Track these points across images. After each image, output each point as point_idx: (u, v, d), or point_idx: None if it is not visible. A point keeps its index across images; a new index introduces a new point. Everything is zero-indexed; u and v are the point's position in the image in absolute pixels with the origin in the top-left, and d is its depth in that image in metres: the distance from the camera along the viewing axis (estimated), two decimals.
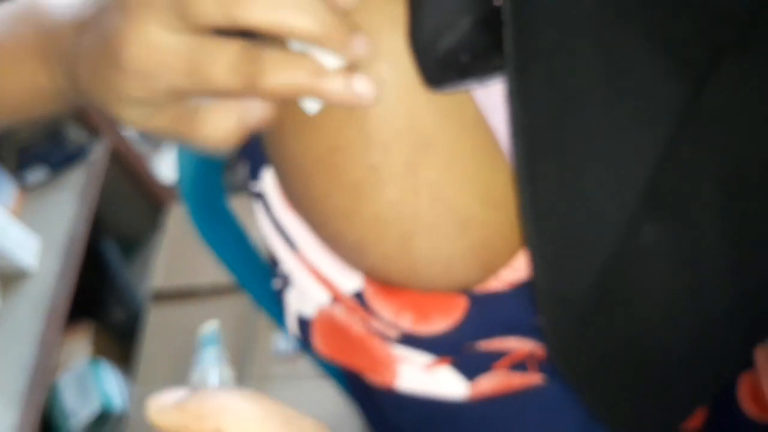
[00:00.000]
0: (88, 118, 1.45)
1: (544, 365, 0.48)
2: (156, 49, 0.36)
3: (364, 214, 0.43)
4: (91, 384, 1.43)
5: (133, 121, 0.40)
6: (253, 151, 0.51)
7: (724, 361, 0.50)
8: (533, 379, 0.49)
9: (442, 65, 0.37)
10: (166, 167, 1.74)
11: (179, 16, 0.35)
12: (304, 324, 0.54)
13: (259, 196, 0.52)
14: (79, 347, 1.50)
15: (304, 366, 1.34)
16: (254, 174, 0.53)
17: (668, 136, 0.39)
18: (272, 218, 0.51)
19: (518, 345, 0.48)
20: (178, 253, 1.55)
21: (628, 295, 0.44)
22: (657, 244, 0.42)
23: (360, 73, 0.37)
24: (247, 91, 0.36)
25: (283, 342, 1.40)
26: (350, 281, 0.49)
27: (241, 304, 1.46)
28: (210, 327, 0.39)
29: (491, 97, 0.42)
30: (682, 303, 0.45)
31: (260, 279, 0.98)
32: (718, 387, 0.53)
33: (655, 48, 0.38)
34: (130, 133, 1.68)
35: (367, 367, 0.51)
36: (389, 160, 0.41)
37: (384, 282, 0.47)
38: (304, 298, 0.52)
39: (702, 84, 0.38)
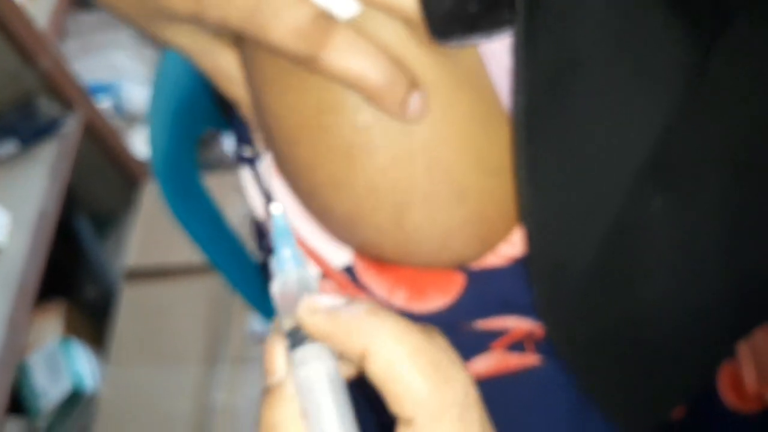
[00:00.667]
0: (61, 90, 1.43)
1: (541, 345, 0.47)
2: None
3: (356, 183, 0.41)
4: (61, 363, 1.42)
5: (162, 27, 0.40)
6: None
7: (715, 348, 0.50)
8: (530, 359, 0.48)
9: (449, 17, 0.36)
10: (141, 142, 1.73)
11: None
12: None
13: (249, 161, 0.50)
14: (50, 326, 1.49)
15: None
16: (244, 137, 0.51)
17: (675, 103, 0.38)
18: (261, 186, 0.50)
19: (516, 324, 0.47)
20: (152, 231, 1.54)
21: (628, 269, 0.43)
22: (659, 217, 0.41)
23: (419, 91, 0.37)
24: (303, 57, 0.36)
25: (258, 323, 1.40)
26: (340, 255, 0.47)
27: (216, 284, 1.45)
28: (278, 213, 0.34)
29: (497, 56, 0.40)
30: (678, 282, 0.44)
31: (234, 259, 0.98)
32: (708, 375, 0.53)
33: (667, 9, 0.36)
34: (103, 106, 1.67)
35: None
36: (382, 121, 0.39)
37: (376, 258, 0.45)
38: None
39: (709, 50, 0.37)
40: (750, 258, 0.45)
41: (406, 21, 0.37)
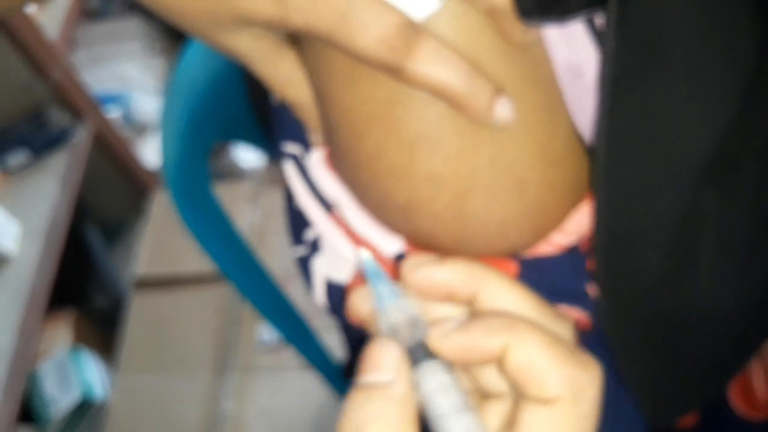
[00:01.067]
0: (71, 100, 1.44)
1: (584, 336, 0.46)
2: None
3: (419, 172, 0.40)
4: (71, 372, 1.43)
5: (224, 37, 0.40)
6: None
7: (744, 346, 0.50)
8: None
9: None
10: (150, 151, 1.74)
11: None
12: (334, 290, 0.52)
13: (292, 156, 0.50)
14: (60, 335, 1.49)
15: (288, 356, 1.35)
16: (287, 136, 0.50)
17: (742, 93, 0.39)
18: (306, 179, 0.49)
19: (566, 312, 0.47)
20: (161, 240, 1.55)
21: (684, 257, 0.43)
22: (708, 209, 0.41)
23: (505, 97, 0.38)
24: (388, 66, 0.36)
25: (267, 332, 1.40)
26: (391, 243, 0.47)
27: (225, 293, 1.46)
28: (367, 257, 0.36)
29: (562, 52, 0.40)
30: (716, 277, 0.44)
31: (243, 269, 0.98)
32: (734, 374, 0.54)
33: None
34: (113, 116, 1.67)
35: None
36: (450, 111, 0.39)
37: (430, 247, 0.45)
38: (338, 262, 0.50)
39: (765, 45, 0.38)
40: None
41: (490, 10, 0.37)
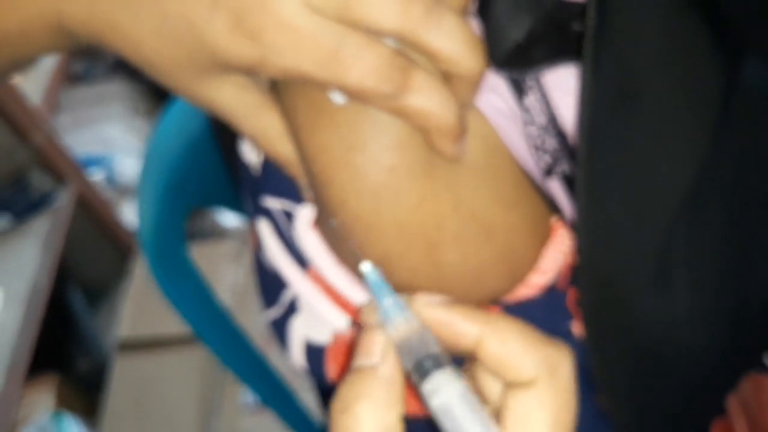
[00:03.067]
0: (53, 164, 1.45)
1: None
2: (295, 26, 0.35)
3: (386, 223, 0.41)
4: None
5: (206, 90, 0.39)
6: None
7: (720, 382, 0.51)
8: None
9: (515, 53, 0.38)
10: (133, 213, 1.74)
11: (339, 4, 0.35)
12: (314, 352, 0.51)
13: (267, 213, 0.49)
14: (42, 400, 1.47)
15: (270, 419, 1.33)
16: (272, 189, 0.50)
17: (711, 132, 0.40)
18: (283, 236, 0.49)
19: None
20: (144, 302, 1.54)
21: (667, 296, 0.44)
22: (682, 246, 0.42)
23: (465, 137, 0.39)
24: (382, 98, 0.36)
25: (250, 394, 1.38)
26: None
27: (208, 355, 1.44)
28: (369, 269, 0.37)
29: (499, 103, 0.42)
30: (690, 312, 0.45)
31: (222, 334, 0.98)
32: (711, 411, 0.54)
33: (714, 38, 0.38)
34: (96, 178, 1.67)
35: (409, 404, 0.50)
36: (407, 160, 0.39)
37: None
38: (316, 323, 0.49)
39: (731, 79, 0.39)
40: (750, 289, 0.46)
41: (447, 71, 0.38)
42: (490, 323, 0.34)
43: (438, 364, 0.33)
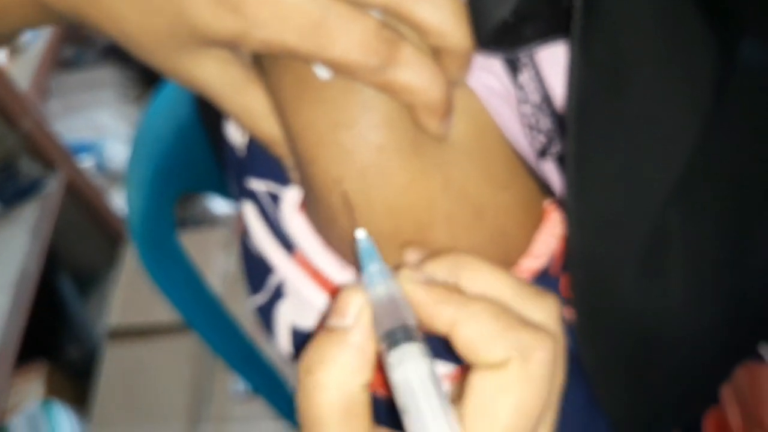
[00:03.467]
0: (42, 150, 1.44)
1: None
2: None
3: (375, 204, 0.40)
4: (43, 426, 1.41)
5: (191, 65, 0.38)
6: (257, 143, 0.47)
7: (714, 371, 0.51)
8: None
9: (500, 30, 0.37)
10: (124, 200, 1.74)
11: None
12: (300, 336, 0.50)
13: (252, 196, 0.49)
14: (32, 388, 1.48)
15: (261, 407, 1.34)
16: (257, 171, 0.49)
17: (704, 116, 0.39)
18: (268, 218, 0.48)
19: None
20: (135, 289, 1.54)
21: (651, 279, 0.43)
22: (676, 230, 0.42)
23: (451, 115, 0.38)
24: (368, 71, 0.36)
25: (241, 382, 1.38)
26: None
27: (199, 342, 1.45)
28: (362, 236, 0.37)
29: (485, 80, 0.41)
30: (684, 298, 0.45)
31: (211, 321, 0.98)
32: (705, 399, 0.55)
33: (702, 19, 0.38)
34: (86, 165, 1.67)
35: (377, 381, 0.49)
36: (395, 138, 0.39)
37: None
38: (303, 308, 0.48)
39: (728, 62, 0.38)
40: (746, 279, 0.46)
41: (436, 45, 0.37)
42: (466, 306, 0.33)
43: (409, 337, 0.33)
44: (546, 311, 0.34)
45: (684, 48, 0.38)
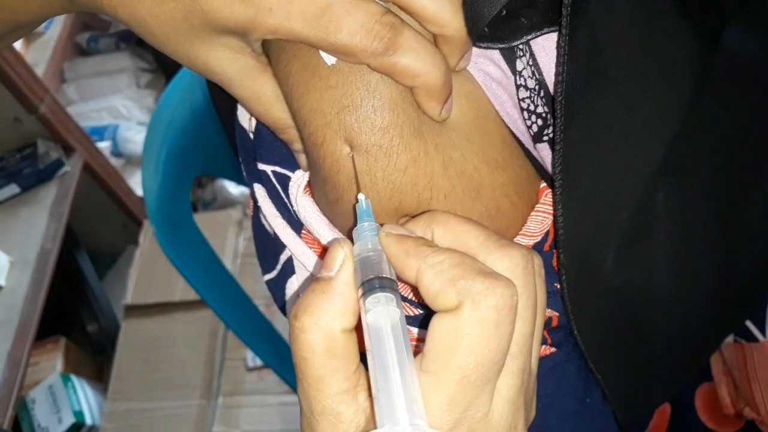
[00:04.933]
0: (61, 134, 1.47)
1: (555, 336, 0.48)
2: None
3: (378, 183, 0.41)
4: (62, 399, 1.44)
5: (202, 53, 0.40)
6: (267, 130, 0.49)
7: (702, 344, 0.52)
8: (546, 350, 0.48)
9: (494, 24, 0.39)
10: (139, 182, 1.75)
11: None
12: None
13: (262, 178, 0.50)
14: (51, 362, 1.50)
15: (272, 379, 1.35)
16: (266, 156, 0.51)
17: (686, 102, 0.41)
18: (278, 199, 0.50)
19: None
20: (152, 267, 1.56)
21: (639, 260, 0.45)
22: (660, 211, 0.43)
23: (451, 100, 0.40)
24: (371, 55, 0.37)
25: (253, 356, 1.41)
26: None
27: (213, 317, 1.47)
28: (362, 198, 0.40)
29: (491, 68, 0.43)
30: (673, 277, 0.46)
31: (226, 298, 0.99)
32: (693, 371, 0.56)
33: (680, 15, 0.39)
34: (103, 147, 1.68)
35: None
36: (398, 121, 0.40)
37: None
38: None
39: (711, 49, 0.40)
40: (734, 255, 0.47)
41: (435, 33, 0.39)
42: (429, 257, 0.35)
43: (384, 287, 0.35)
44: (509, 261, 0.35)
45: (660, 38, 0.40)
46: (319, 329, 0.34)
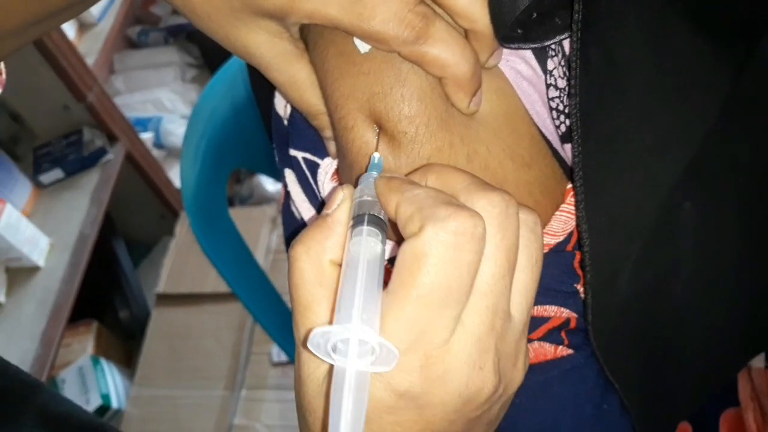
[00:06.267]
0: (106, 123, 1.50)
1: (574, 339, 0.48)
2: None
3: (401, 168, 0.42)
4: (91, 381, 1.47)
5: (243, 34, 0.41)
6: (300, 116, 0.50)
7: (728, 362, 0.52)
8: (563, 351, 0.49)
9: (516, 23, 0.39)
10: (178, 174, 1.77)
11: None
12: None
13: (292, 163, 0.52)
14: (82, 345, 1.54)
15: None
16: (297, 143, 0.52)
17: (712, 118, 0.41)
18: (306, 184, 0.51)
19: (557, 312, 0.48)
20: (186, 258, 1.58)
21: (662, 270, 0.45)
22: (687, 222, 0.43)
23: (481, 93, 0.41)
24: (403, 43, 0.38)
25: (279, 351, 1.42)
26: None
27: (242, 311, 1.49)
28: (376, 156, 0.42)
29: (522, 66, 0.43)
30: (699, 290, 0.46)
31: (257, 293, 1.00)
32: (717, 388, 0.55)
33: (696, 33, 0.40)
34: (146, 138, 1.71)
35: None
36: (425, 111, 0.41)
37: None
38: None
39: (740, 69, 0.40)
40: (764, 272, 0.47)
41: (466, 27, 0.40)
42: (406, 192, 0.36)
43: (372, 222, 0.36)
44: (487, 202, 0.35)
45: (675, 54, 0.41)
46: (309, 258, 0.36)
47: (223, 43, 0.42)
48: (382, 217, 0.37)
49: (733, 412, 0.58)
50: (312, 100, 0.44)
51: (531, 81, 0.43)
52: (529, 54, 0.43)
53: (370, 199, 0.38)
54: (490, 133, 0.43)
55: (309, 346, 0.33)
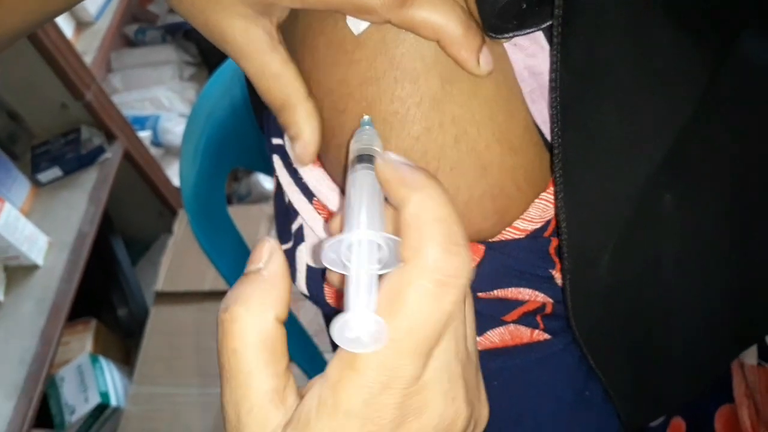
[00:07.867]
0: (104, 121, 1.50)
1: (550, 324, 0.49)
2: None
3: (391, 149, 0.43)
4: (89, 379, 1.47)
5: (234, 23, 0.41)
6: None
7: (715, 354, 0.52)
8: (540, 336, 0.49)
9: (502, 13, 0.40)
10: (177, 172, 1.78)
11: None
12: (314, 273, 0.52)
13: (279, 149, 0.52)
14: (81, 343, 1.54)
15: (296, 374, 1.35)
16: (275, 131, 0.52)
17: (689, 111, 0.42)
18: (292, 169, 0.51)
19: (531, 296, 0.48)
20: (184, 256, 1.58)
21: (642, 262, 0.45)
22: (668, 213, 0.44)
23: (486, 49, 0.41)
24: (388, 9, 0.39)
25: None
26: None
27: None
28: (366, 120, 0.42)
29: (517, 54, 0.44)
30: (684, 281, 0.46)
31: None
32: (705, 383, 0.55)
33: (677, 28, 0.40)
34: (144, 137, 1.71)
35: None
36: (418, 92, 0.42)
37: None
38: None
39: (718, 65, 0.41)
40: (752, 263, 0.47)
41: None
42: (415, 193, 0.34)
43: (371, 160, 0.37)
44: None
45: (656, 50, 0.41)
46: (251, 317, 0.33)
47: (202, 30, 0.42)
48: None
49: (728, 408, 0.58)
50: (278, 94, 0.44)
51: (535, 69, 0.44)
52: (541, 38, 0.43)
53: (365, 143, 0.39)
54: (485, 116, 0.43)
55: (323, 261, 0.33)
